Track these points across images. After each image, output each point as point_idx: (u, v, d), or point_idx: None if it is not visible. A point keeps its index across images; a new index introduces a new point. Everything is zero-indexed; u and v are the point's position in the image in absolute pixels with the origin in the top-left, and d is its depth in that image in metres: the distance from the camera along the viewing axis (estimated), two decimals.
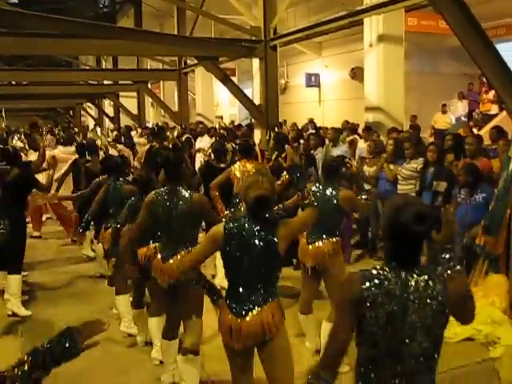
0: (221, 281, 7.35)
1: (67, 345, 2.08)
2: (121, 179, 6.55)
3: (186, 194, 4.58)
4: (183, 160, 4.92)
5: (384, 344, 2.43)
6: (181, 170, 4.72)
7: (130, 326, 6.00)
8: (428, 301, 2.41)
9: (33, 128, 16.93)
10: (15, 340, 6.19)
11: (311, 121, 17.46)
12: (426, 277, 2.44)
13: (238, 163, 7.16)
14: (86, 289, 7.84)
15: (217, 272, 7.38)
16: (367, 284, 2.42)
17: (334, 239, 5.24)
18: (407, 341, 2.42)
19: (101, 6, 25.36)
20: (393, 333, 2.41)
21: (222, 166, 7.65)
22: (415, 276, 2.44)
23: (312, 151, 9.53)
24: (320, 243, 5.22)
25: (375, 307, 2.40)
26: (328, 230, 5.24)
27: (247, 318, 3.50)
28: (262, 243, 3.47)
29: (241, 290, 3.55)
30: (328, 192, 5.23)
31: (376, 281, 2.42)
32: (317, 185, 5.44)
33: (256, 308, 3.50)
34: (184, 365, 4.52)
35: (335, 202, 5.16)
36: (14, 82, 19.83)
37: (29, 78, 18.78)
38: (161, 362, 5.15)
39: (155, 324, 5.25)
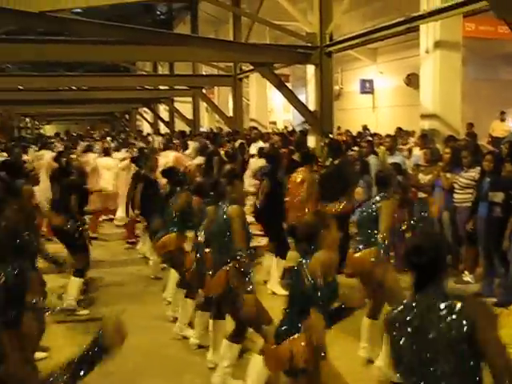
0: (272, 286, 7.41)
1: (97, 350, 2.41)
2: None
3: (225, 208, 4.91)
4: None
5: (410, 361, 2.57)
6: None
7: (185, 328, 6.09)
8: (448, 318, 2.49)
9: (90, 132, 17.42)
10: (73, 338, 6.37)
11: (365, 128, 17.33)
12: (445, 297, 2.56)
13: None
14: (141, 290, 7.99)
15: (270, 278, 7.44)
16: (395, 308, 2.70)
17: (373, 248, 5.25)
18: (431, 356, 2.51)
19: (158, 12, 25.81)
20: (417, 350, 2.55)
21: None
22: (435, 298, 2.57)
23: (365, 158, 9.46)
24: (361, 252, 5.31)
25: (401, 327, 2.60)
26: (368, 239, 5.31)
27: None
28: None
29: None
30: (375, 202, 5.44)
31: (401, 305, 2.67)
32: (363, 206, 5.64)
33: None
34: (254, 365, 4.56)
35: (377, 211, 5.32)
36: (74, 87, 20.33)
37: (88, 84, 19.27)
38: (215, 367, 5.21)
39: (216, 326, 5.32)
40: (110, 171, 11.41)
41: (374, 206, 5.39)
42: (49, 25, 8.76)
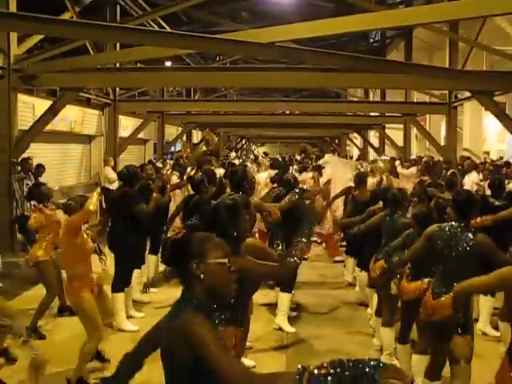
0: (481, 326, 7.07)
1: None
2: (399, 212, 6.35)
3: (470, 235, 4.60)
4: (473, 201, 4.88)
5: None
6: (469, 209, 4.73)
7: (391, 359, 6.02)
8: None
9: (303, 154, 18.06)
10: (280, 353, 6.65)
11: None
12: None
13: None
14: (346, 315, 8.03)
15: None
16: None
17: None
18: None
19: (371, 40, 26.05)
20: None
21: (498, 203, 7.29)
22: None
23: None
24: None
25: None
26: None
27: None
28: None
29: None
30: None
31: None
32: None
33: None
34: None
35: None
36: (287, 112, 21.28)
37: (301, 109, 20.05)
38: None
39: (419, 362, 5.15)
40: None
41: None
42: (273, 53, 9.29)
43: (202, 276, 2.49)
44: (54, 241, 7.21)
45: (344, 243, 10.26)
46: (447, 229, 4.68)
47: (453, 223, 4.71)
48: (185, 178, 11.41)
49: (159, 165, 15.36)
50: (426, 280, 5.10)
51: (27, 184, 10.56)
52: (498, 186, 7.65)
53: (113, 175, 14.43)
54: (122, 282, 7.33)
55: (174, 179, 11.57)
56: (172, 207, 9.45)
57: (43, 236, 7.19)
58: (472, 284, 3.90)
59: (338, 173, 11.22)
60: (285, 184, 8.00)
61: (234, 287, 2.60)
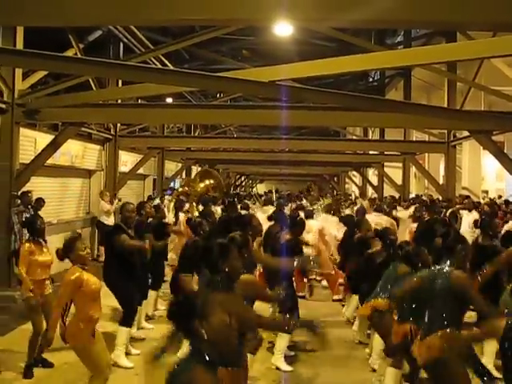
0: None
1: None
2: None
3: (446, 269, 4.70)
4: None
5: None
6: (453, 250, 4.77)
7: None
8: None
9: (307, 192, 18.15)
10: None
11: None
12: None
13: None
14: (344, 354, 7.98)
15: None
16: None
17: None
18: None
19: (371, 79, 26.32)
20: None
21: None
22: None
23: None
24: None
25: None
26: None
27: None
28: None
29: None
30: None
31: None
32: None
33: None
34: None
35: None
36: (287, 149, 21.40)
37: (300, 146, 20.17)
38: None
39: None
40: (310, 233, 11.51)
41: None
42: (273, 92, 9.38)
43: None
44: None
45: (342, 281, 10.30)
46: (434, 271, 4.75)
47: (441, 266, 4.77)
48: (181, 215, 11.55)
49: (157, 201, 15.48)
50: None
51: (26, 217, 10.55)
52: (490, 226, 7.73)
53: (108, 207, 14.63)
54: (128, 317, 7.35)
55: (171, 206, 11.99)
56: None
57: (32, 273, 6.98)
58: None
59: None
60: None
61: (236, 343, 2.71)
